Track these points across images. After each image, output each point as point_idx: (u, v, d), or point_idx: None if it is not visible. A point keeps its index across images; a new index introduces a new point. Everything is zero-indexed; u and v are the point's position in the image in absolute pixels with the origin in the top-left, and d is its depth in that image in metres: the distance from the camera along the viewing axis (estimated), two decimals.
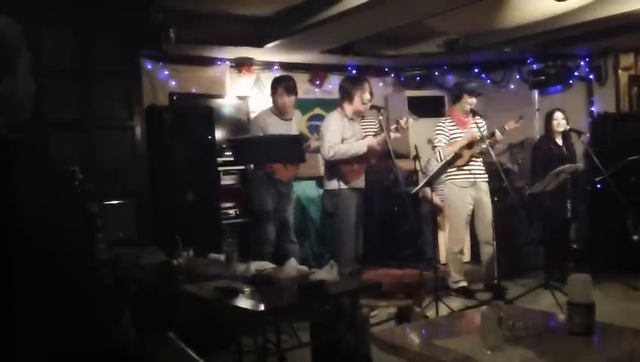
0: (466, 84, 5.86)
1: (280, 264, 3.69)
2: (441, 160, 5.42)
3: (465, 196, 5.53)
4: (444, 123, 5.66)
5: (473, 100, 5.62)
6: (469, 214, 5.58)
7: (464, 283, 5.61)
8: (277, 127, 5.39)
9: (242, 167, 6.09)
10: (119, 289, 3.44)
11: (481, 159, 5.64)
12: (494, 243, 5.53)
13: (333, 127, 5.08)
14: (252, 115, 6.41)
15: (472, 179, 5.53)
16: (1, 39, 1.40)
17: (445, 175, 5.56)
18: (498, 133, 5.43)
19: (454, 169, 5.51)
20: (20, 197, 1.33)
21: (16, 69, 1.43)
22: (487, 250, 5.57)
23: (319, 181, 6.63)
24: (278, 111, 5.54)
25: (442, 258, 6.33)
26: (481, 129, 5.47)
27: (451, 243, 5.71)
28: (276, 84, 5.56)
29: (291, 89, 5.53)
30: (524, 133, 6.96)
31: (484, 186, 5.61)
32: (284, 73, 6.76)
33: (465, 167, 5.51)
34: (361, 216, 5.26)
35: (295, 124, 5.71)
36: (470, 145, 5.47)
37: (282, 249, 5.51)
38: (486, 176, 5.65)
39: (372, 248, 6.53)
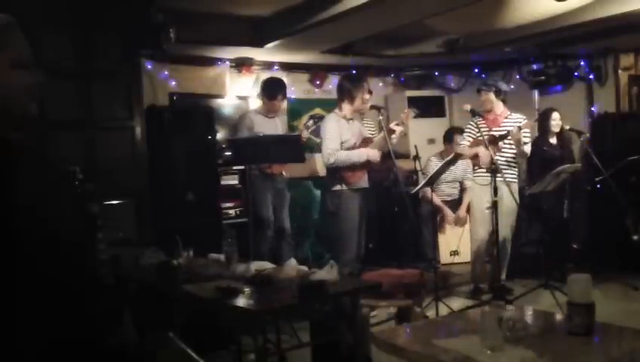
0: (485, 81, 5.92)
1: (280, 264, 3.70)
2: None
3: (486, 195, 5.50)
4: (475, 121, 5.56)
5: (488, 96, 5.57)
6: (491, 213, 5.53)
7: (481, 285, 5.67)
8: (263, 125, 5.58)
9: (242, 167, 6.10)
10: (120, 289, 3.44)
11: (506, 158, 5.54)
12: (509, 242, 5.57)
13: (330, 133, 5.00)
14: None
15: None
16: None
17: (472, 174, 5.75)
18: (520, 128, 5.36)
19: (476, 167, 5.59)
20: (20, 198, 1.33)
21: None
22: (505, 249, 5.56)
23: (319, 181, 6.64)
24: (269, 112, 5.72)
25: (442, 258, 6.34)
26: (519, 124, 5.38)
27: (474, 242, 5.75)
28: (276, 90, 5.69)
29: (286, 93, 5.79)
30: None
31: (507, 186, 5.40)
32: (284, 73, 6.81)
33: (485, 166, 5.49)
34: (364, 216, 5.25)
35: (280, 121, 5.90)
36: (481, 146, 5.41)
37: (278, 251, 5.56)
38: (512, 175, 5.57)
39: (372, 248, 6.53)
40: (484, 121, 5.56)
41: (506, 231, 5.49)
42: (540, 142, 6.08)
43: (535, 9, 5.55)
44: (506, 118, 5.58)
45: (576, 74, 7.14)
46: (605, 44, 6.62)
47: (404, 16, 5.27)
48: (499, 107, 5.61)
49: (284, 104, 5.84)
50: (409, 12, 5.15)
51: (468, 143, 5.57)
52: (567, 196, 5.93)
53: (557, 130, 5.98)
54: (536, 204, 5.88)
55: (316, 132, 6.03)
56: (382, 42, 6.62)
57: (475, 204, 5.75)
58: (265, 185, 5.57)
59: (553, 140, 6.03)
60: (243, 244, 5.77)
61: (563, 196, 5.90)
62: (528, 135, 5.53)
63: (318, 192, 6.75)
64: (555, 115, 5.98)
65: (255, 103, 6.70)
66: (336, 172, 5.04)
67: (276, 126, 5.76)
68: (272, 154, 4.91)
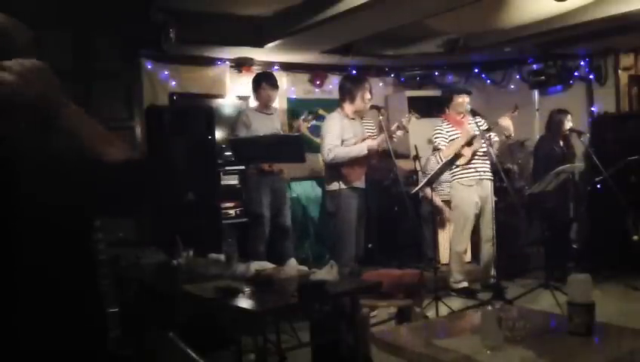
0: (454, 85, 5.92)
1: (280, 264, 3.70)
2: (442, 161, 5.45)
3: (472, 195, 5.50)
4: (441, 125, 5.67)
5: (465, 99, 5.62)
6: (477, 213, 5.56)
7: (465, 284, 5.61)
8: (260, 122, 5.59)
9: (242, 167, 6.10)
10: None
11: (486, 157, 5.60)
12: (495, 242, 5.53)
13: (332, 130, 5.07)
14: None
15: (478, 177, 5.51)
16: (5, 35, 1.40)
17: (451, 175, 5.62)
18: (503, 122, 5.39)
19: (459, 168, 5.53)
20: (20, 197, 1.33)
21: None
22: (488, 249, 5.56)
23: (319, 180, 6.65)
24: (262, 104, 5.75)
25: (442, 258, 6.34)
26: (480, 126, 5.49)
27: (455, 242, 5.69)
28: (259, 79, 5.79)
29: (274, 84, 5.79)
30: (524, 132, 6.96)
31: (489, 185, 5.58)
32: (284, 73, 6.82)
33: (470, 166, 5.51)
34: (362, 216, 5.26)
35: (277, 118, 5.96)
36: (469, 143, 5.46)
37: (280, 251, 5.54)
38: (491, 174, 5.64)
39: (372, 248, 6.53)
40: (450, 124, 5.62)
41: (491, 230, 5.51)
42: (548, 142, 6.09)
43: (535, 9, 5.55)
44: (468, 122, 5.64)
45: (576, 74, 7.15)
46: (605, 44, 6.62)
47: (404, 16, 5.27)
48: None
49: (274, 94, 5.83)
50: (409, 12, 5.15)
51: (444, 146, 5.55)
52: (571, 197, 5.93)
53: (568, 131, 5.99)
54: (538, 204, 5.88)
55: (317, 132, 6.04)
56: (382, 42, 6.62)
57: (461, 206, 5.60)
58: (260, 184, 5.56)
59: (560, 140, 6.05)
60: (243, 244, 5.80)
61: (567, 196, 5.90)
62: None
63: (319, 190, 6.78)
64: (569, 117, 6.01)
65: (254, 103, 6.72)
66: (336, 169, 5.05)
67: (273, 123, 5.75)
68: (272, 154, 4.91)
